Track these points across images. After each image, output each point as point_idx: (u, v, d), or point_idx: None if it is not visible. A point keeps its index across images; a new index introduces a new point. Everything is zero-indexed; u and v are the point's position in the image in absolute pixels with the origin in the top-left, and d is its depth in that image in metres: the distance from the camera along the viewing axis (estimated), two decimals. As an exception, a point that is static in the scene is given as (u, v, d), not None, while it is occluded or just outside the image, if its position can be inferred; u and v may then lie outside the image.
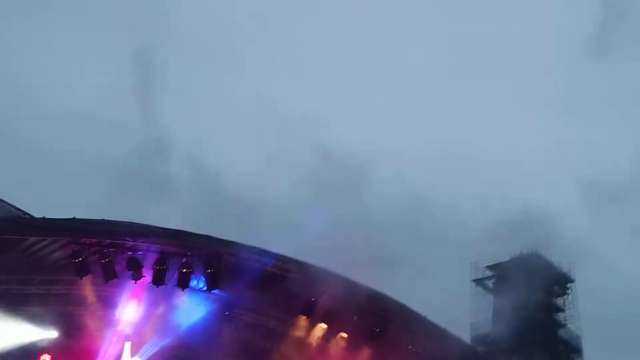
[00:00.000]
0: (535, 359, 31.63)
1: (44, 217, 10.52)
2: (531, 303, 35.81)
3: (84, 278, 11.60)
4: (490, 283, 39.84)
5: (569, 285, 36.79)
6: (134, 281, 11.92)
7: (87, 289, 12.35)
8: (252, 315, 13.51)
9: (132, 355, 14.12)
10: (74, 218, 10.50)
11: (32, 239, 10.67)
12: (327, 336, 13.07)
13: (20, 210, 23.51)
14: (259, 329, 13.72)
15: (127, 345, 13.98)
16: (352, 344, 13.07)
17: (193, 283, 11.86)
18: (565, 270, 36.41)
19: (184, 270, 11.22)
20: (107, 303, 13.14)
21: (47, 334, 12.51)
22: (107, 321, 13.41)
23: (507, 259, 37.65)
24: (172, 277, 11.66)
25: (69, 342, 13.51)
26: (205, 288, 12.06)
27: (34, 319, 12.55)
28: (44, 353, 12.96)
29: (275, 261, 11.39)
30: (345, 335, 12.36)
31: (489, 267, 39.06)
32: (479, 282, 39.27)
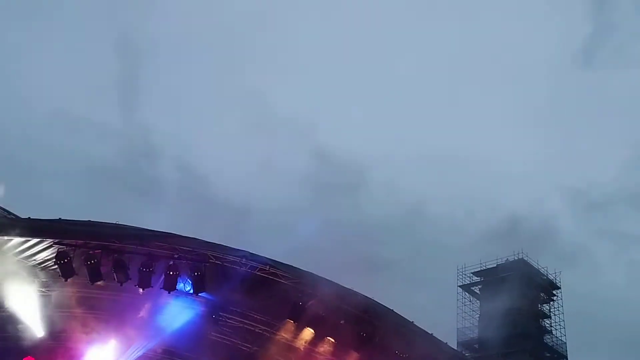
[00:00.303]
0: (520, 365, 31.73)
1: (29, 218, 10.39)
2: (517, 309, 35.99)
3: (69, 280, 11.49)
4: (477, 289, 40.02)
5: (554, 291, 37.03)
6: (119, 283, 11.84)
7: (72, 290, 12.25)
8: (239, 319, 13.44)
9: (117, 357, 14.00)
10: (59, 219, 10.39)
11: (16, 240, 10.51)
12: (315, 341, 13.01)
13: (4, 210, 23.25)
14: (246, 333, 13.66)
15: (112, 346, 13.88)
16: (340, 349, 13.02)
17: (180, 286, 11.76)
18: (551, 276, 36.66)
19: (171, 273, 11.14)
20: (92, 305, 13.06)
21: (31, 335, 12.35)
22: (92, 323, 13.32)
23: (493, 265, 37.89)
24: (159, 279, 11.56)
25: (53, 344, 13.39)
26: (191, 291, 11.96)
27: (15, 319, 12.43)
28: (28, 356, 12.84)
29: (263, 265, 11.32)
30: (332, 340, 12.31)
31: (476, 273, 39.25)
32: (465, 287, 39.44)
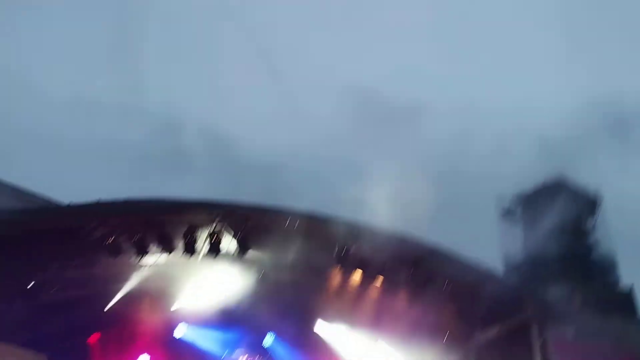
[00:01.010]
0: (569, 284, 31.81)
1: (70, 204, 10.65)
2: (561, 229, 35.81)
3: (118, 257, 11.84)
4: (517, 214, 39.83)
5: (596, 207, 36.63)
6: (166, 254, 12.17)
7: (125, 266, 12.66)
8: (287, 273, 13.72)
9: (180, 326, 14.58)
10: (99, 201, 10.62)
11: (62, 226, 10.83)
12: (363, 283, 13.24)
13: (46, 199, 23.89)
14: (295, 285, 13.96)
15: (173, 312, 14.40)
16: (388, 288, 13.22)
17: (223, 249, 12.00)
18: (591, 192, 36.23)
19: (214, 238, 11.35)
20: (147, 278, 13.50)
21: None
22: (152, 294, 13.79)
23: (532, 189, 37.54)
24: (203, 246, 11.82)
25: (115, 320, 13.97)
26: (236, 253, 12.20)
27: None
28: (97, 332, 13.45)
29: (304, 217, 11.45)
30: (380, 280, 12.49)
31: (515, 198, 38.99)
32: (506, 213, 39.28)
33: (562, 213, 36.07)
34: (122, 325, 14.14)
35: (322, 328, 15.15)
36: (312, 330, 15.35)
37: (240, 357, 15.59)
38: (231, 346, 15.63)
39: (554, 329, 12.01)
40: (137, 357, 13.92)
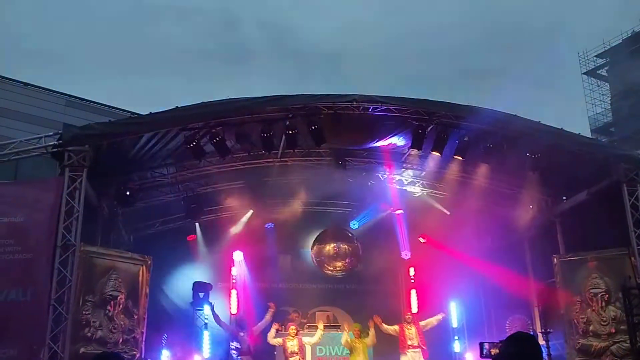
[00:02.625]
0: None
1: (150, 113, 11.00)
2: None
3: (202, 160, 12.33)
4: (603, 71, 37.62)
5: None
6: (246, 153, 12.57)
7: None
8: (365, 159, 13.90)
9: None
10: (176, 107, 10.90)
11: (147, 135, 11.29)
12: (442, 163, 13.22)
13: (125, 111, 24.99)
14: (372, 172, 14.16)
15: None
16: (469, 165, 13.16)
17: (300, 142, 12.19)
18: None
19: (290, 132, 11.50)
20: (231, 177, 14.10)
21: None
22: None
23: (618, 41, 35.03)
24: (280, 141, 12.05)
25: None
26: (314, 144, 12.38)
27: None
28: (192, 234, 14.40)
29: (375, 103, 11.33)
30: (460, 158, 12.38)
31: (600, 55, 36.66)
32: (591, 73, 37.19)
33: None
34: (216, 224, 15.03)
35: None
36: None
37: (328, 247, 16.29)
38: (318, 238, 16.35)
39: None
40: (232, 254, 14.81)
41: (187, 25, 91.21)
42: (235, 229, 15.20)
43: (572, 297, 12.28)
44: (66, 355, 9.63)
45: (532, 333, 12.57)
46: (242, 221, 15.23)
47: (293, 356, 12.73)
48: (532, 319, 14.26)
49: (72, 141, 10.41)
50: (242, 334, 13.26)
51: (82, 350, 10.22)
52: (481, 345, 9.65)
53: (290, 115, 11.39)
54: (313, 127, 11.40)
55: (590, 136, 24.15)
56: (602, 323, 11.84)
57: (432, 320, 13.45)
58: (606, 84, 37.11)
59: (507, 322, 14.49)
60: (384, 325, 13.15)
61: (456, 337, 15.30)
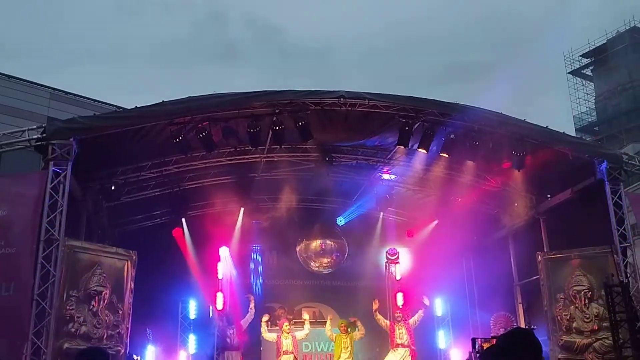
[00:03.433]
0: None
1: (136, 107, 10.92)
2: (636, 81, 34.00)
3: (188, 155, 12.27)
4: (588, 71, 37.94)
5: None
6: (232, 148, 12.52)
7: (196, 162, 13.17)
8: (352, 155, 13.91)
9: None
10: (162, 101, 10.83)
11: (132, 129, 11.20)
12: (428, 160, 13.25)
13: (110, 105, 24.80)
14: (361, 167, 14.17)
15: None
16: (454, 162, 13.22)
17: (287, 138, 12.16)
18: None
19: (276, 127, 11.47)
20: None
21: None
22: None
23: (603, 41, 35.34)
24: (267, 136, 12.01)
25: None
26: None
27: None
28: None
29: (362, 99, 11.33)
30: (445, 155, 12.43)
31: (585, 55, 36.96)
32: (576, 72, 37.50)
33: (637, 63, 34.00)
34: (202, 220, 14.95)
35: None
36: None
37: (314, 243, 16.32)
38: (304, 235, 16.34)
39: (629, 186, 11.78)
40: (218, 250, 14.77)
41: (173, 18, 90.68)
42: (225, 226, 15.14)
43: (556, 294, 12.39)
44: (49, 351, 9.55)
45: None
46: (238, 219, 15.19)
47: (287, 354, 12.79)
48: (516, 316, 14.38)
49: (56, 134, 10.31)
50: (230, 331, 13.28)
51: (65, 345, 10.13)
52: (473, 340, 9.75)
53: (277, 111, 11.37)
54: (300, 123, 11.38)
55: (574, 135, 24.38)
56: (585, 320, 11.97)
57: (417, 317, 13.64)
58: (591, 83, 37.47)
59: (492, 318, 14.60)
60: (378, 313, 13.36)
61: (426, 299, 15.49)
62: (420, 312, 13.73)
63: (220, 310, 13.86)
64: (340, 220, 16.46)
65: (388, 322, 13.46)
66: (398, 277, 15.96)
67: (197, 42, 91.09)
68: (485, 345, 9.29)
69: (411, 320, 13.50)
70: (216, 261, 14.96)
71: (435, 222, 15.42)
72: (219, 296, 14.08)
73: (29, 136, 10.45)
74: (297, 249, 16.60)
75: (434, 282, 15.33)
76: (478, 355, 9.57)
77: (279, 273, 16.33)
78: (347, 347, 13.07)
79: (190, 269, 14.59)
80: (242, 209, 15.15)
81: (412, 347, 13.21)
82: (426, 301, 13.86)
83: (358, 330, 13.34)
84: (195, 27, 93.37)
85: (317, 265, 16.60)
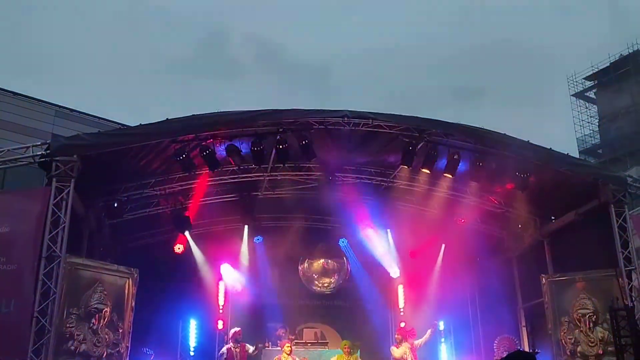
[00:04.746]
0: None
1: (140, 125, 10.94)
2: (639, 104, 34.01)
3: (192, 172, 12.27)
4: (592, 93, 38.03)
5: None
6: (236, 167, 12.51)
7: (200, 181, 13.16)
8: (355, 175, 13.87)
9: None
10: (166, 119, 10.86)
11: (136, 147, 11.22)
12: (432, 180, 13.24)
13: (114, 122, 24.88)
14: (363, 187, 14.13)
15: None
16: (458, 182, 13.20)
17: (290, 157, 12.16)
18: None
19: (280, 146, 11.47)
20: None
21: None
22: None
23: (606, 64, 35.46)
24: (271, 155, 12.01)
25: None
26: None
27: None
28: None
29: (366, 119, 11.35)
30: (449, 176, 12.41)
31: (589, 78, 37.06)
32: (579, 95, 37.57)
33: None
34: (204, 238, 14.90)
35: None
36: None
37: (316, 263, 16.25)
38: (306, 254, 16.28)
39: (633, 209, 11.72)
40: (219, 267, 14.72)
41: (175, 36, 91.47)
42: (231, 244, 15.11)
43: (560, 317, 12.26)
44: (48, 369, 9.46)
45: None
46: (243, 238, 15.16)
47: None
48: (520, 339, 14.22)
49: (59, 151, 10.33)
50: (237, 349, 13.19)
51: (64, 363, 10.04)
52: None
53: (280, 130, 11.39)
54: (303, 142, 11.39)
55: (578, 157, 24.34)
56: (590, 344, 11.82)
57: (424, 338, 13.45)
58: (594, 106, 37.51)
59: (496, 341, 14.45)
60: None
61: (442, 339, 15.38)
62: (428, 332, 13.46)
63: (221, 330, 13.77)
64: (343, 240, 16.40)
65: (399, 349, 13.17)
66: (402, 300, 15.95)
67: (199, 60, 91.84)
68: None
69: (416, 341, 13.26)
70: (218, 280, 14.91)
71: (443, 246, 15.32)
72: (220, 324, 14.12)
73: (33, 152, 10.47)
74: (300, 269, 16.50)
75: (438, 304, 15.20)
76: None
77: (281, 292, 16.21)
78: None
79: (192, 287, 14.49)
80: (246, 228, 15.09)
81: None
82: (441, 325, 13.66)
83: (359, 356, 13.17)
84: (197, 45, 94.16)
85: (319, 285, 16.49)
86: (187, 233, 14.01)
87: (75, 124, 23.73)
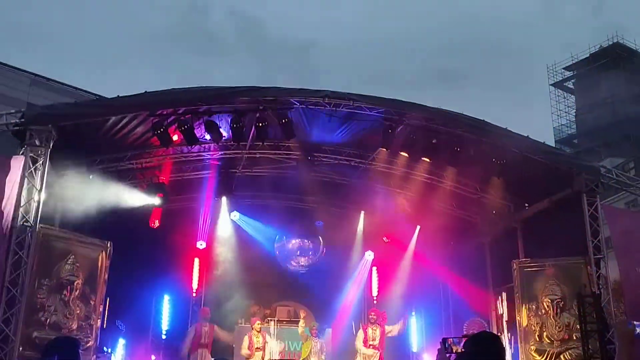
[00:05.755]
0: (624, 153, 31.12)
1: (118, 96, 10.78)
2: (616, 95, 34.51)
3: (169, 147, 12.15)
4: (570, 83, 38.43)
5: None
6: (215, 142, 12.42)
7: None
8: (333, 156, 13.88)
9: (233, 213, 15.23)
10: (145, 92, 10.71)
11: (113, 119, 11.07)
12: (410, 164, 13.31)
13: (91, 93, 24.46)
14: (342, 168, 14.16)
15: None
16: (435, 167, 13.29)
17: (270, 135, 12.13)
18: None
19: (260, 124, 11.41)
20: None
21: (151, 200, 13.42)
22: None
23: (586, 55, 35.81)
24: (250, 132, 11.95)
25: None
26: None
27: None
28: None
29: (346, 100, 11.32)
30: (427, 159, 12.49)
31: (568, 68, 37.43)
32: (558, 84, 37.95)
33: (620, 78, 34.52)
34: (181, 214, 14.82)
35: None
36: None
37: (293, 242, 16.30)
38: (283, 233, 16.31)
39: (605, 199, 11.93)
40: (195, 243, 14.69)
41: (154, 9, 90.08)
42: (205, 220, 15.07)
43: (529, 303, 12.50)
44: (17, 339, 9.39)
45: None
46: (219, 214, 15.12)
47: (258, 351, 12.81)
48: (489, 322, 14.48)
49: (34, 120, 10.15)
50: (205, 327, 13.24)
51: (35, 334, 9.97)
52: (444, 340, 9.75)
53: (261, 107, 11.31)
54: (283, 121, 11.34)
55: (553, 146, 24.66)
56: (557, 329, 12.09)
57: (395, 328, 13.68)
58: (572, 96, 37.95)
59: (465, 323, 14.68)
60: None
61: (413, 313, 15.58)
62: (401, 323, 13.76)
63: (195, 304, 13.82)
64: (319, 223, 16.46)
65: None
66: (375, 294, 16.14)
67: (178, 33, 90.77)
68: (455, 348, 9.32)
69: (388, 327, 13.49)
70: (193, 256, 14.88)
71: (418, 227, 15.46)
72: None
73: (7, 120, 10.26)
74: (276, 247, 16.54)
75: (410, 288, 15.40)
76: (448, 355, 9.58)
77: (255, 270, 16.25)
78: (317, 352, 13.10)
79: (167, 263, 14.43)
80: (224, 204, 15.05)
81: (381, 351, 13.26)
82: (400, 324, 13.90)
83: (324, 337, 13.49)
84: (177, 17, 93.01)
85: (294, 264, 16.57)
86: (161, 209, 13.91)
87: (51, 93, 23.26)
